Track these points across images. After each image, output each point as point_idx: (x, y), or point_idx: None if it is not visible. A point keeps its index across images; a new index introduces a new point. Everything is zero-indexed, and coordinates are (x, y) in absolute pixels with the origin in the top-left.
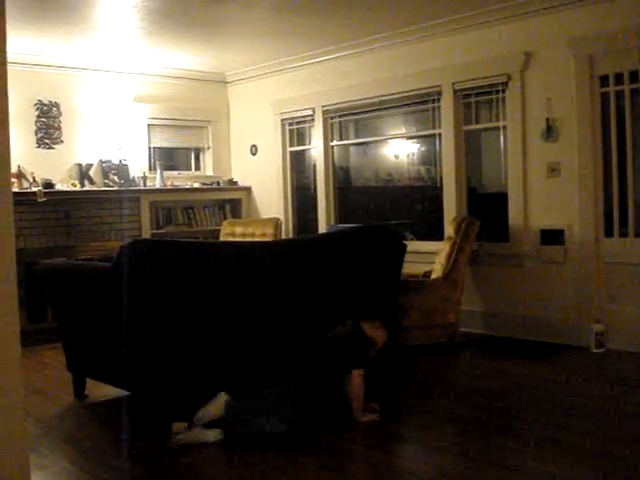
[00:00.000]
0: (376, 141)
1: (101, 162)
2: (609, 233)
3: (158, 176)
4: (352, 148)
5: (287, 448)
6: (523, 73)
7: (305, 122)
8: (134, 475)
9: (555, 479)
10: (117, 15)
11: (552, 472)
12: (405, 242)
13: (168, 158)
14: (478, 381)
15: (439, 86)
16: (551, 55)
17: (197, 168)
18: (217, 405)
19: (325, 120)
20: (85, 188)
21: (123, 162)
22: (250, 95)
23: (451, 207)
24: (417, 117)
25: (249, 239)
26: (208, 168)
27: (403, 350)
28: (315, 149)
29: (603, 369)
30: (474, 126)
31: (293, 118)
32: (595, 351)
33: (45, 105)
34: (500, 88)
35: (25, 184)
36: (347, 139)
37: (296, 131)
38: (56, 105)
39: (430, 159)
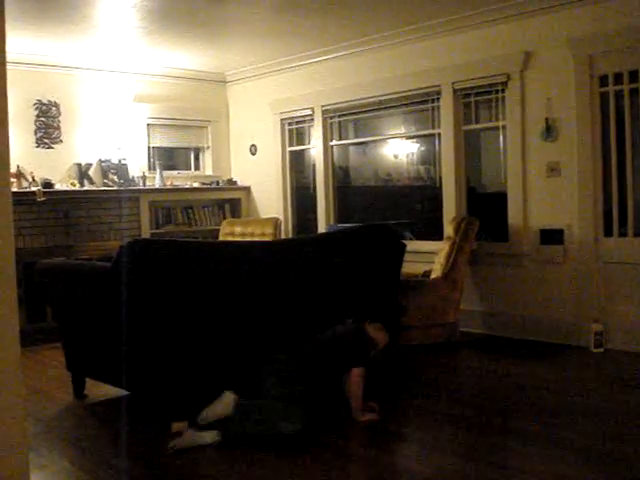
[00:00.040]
0: (375, 141)
1: (100, 162)
2: (608, 233)
3: (157, 176)
4: (351, 148)
5: (286, 448)
6: (523, 73)
7: (304, 122)
8: (133, 474)
9: (555, 479)
10: (117, 15)
11: (552, 472)
12: (404, 242)
13: (168, 158)
14: (477, 381)
15: (438, 86)
16: (551, 55)
17: (197, 168)
18: (224, 404)
19: (324, 120)
20: (84, 188)
21: (122, 162)
22: (249, 95)
23: (450, 207)
24: (416, 117)
25: (248, 239)
26: (207, 168)
27: (403, 350)
28: (314, 149)
29: (602, 369)
30: (474, 126)
31: (292, 118)
32: (594, 351)
33: (44, 105)
34: (500, 88)
35: (24, 184)
36: (346, 139)
37: (295, 131)
38: (55, 105)
39: (429, 159)
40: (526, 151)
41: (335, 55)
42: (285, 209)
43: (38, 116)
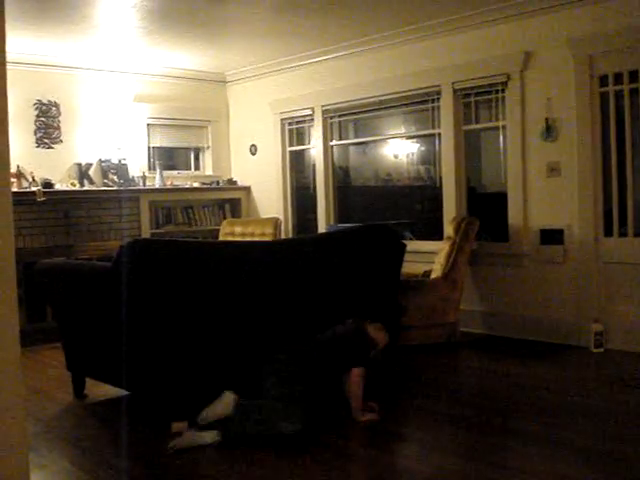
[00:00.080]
0: (375, 141)
1: (100, 162)
2: (608, 233)
3: (158, 176)
4: (351, 148)
5: (286, 448)
6: (523, 73)
7: (305, 122)
8: (133, 474)
9: (555, 479)
10: (117, 15)
11: (552, 472)
12: (404, 242)
13: (168, 158)
14: (478, 381)
15: (438, 86)
16: (551, 55)
17: (197, 168)
18: (224, 404)
19: (324, 120)
20: (84, 188)
21: (122, 162)
22: (250, 95)
23: (451, 207)
24: (416, 117)
25: (248, 239)
26: (208, 168)
27: (403, 350)
28: (315, 149)
29: (602, 369)
30: (474, 126)
31: (293, 118)
32: (594, 351)
33: (44, 105)
34: (500, 88)
35: (24, 184)
36: (346, 139)
37: (295, 131)
38: (55, 105)
39: (430, 159)
40: (526, 151)
41: (335, 55)
42: (285, 209)
43: (38, 116)
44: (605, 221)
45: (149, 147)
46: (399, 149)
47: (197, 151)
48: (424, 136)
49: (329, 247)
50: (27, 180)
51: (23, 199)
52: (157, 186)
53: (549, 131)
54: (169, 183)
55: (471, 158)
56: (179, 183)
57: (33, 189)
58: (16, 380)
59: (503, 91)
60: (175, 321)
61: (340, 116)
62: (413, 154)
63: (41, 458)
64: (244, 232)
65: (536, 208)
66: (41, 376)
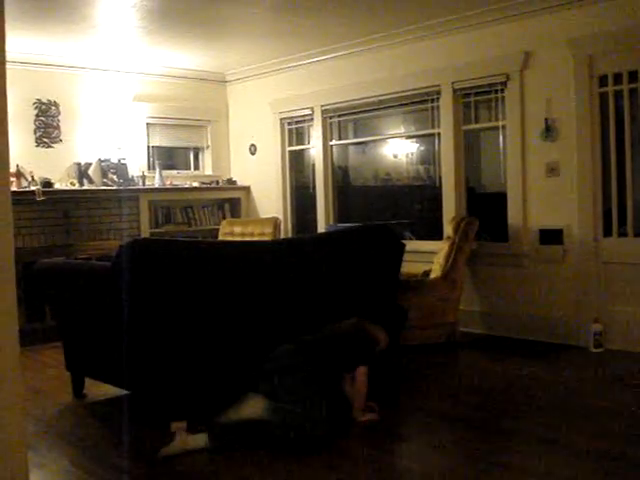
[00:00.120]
0: (375, 141)
1: (100, 161)
2: (608, 233)
3: (157, 175)
4: (351, 148)
5: (287, 447)
6: (522, 73)
7: (304, 122)
8: (133, 474)
9: (555, 479)
10: (116, 14)
11: (552, 472)
12: (404, 242)
13: (167, 157)
14: (478, 381)
15: (438, 85)
16: (550, 55)
17: (196, 167)
18: (251, 407)
19: (324, 120)
20: (84, 187)
21: (122, 161)
22: (249, 95)
23: (450, 207)
24: (416, 117)
25: (248, 238)
26: (207, 167)
27: (402, 350)
28: (314, 149)
29: (602, 369)
30: (473, 126)
31: (292, 117)
32: (594, 351)
33: (44, 104)
34: (499, 88)
35: (24, 183)
36: (346, 139)
37: (295, 130)
38: (55, 104)
39: (429, 159)
40: (526, 151)
41: (335, 55)
42: (285, 209)
43: (38, 115)
44: (604, 221)
45: (149, 147)
46: (399, 149)
47: (197, 151)
48: (424, 136)
49: (329, 247)
50: (26, 179)
51: (22, 198)
52: (157, 186)
53: (549, 131)
54: (169, 183)
55: (471, 158)
56: (179, 183)
57: (32, 188)
58: (15, 380)
59: (503, 91)
60: (175, 321)
61: (340, 116)
62: (412, 154)
63: (40, 458)
64: (243, 232)
65: (536, 208)
66: (40, 376)
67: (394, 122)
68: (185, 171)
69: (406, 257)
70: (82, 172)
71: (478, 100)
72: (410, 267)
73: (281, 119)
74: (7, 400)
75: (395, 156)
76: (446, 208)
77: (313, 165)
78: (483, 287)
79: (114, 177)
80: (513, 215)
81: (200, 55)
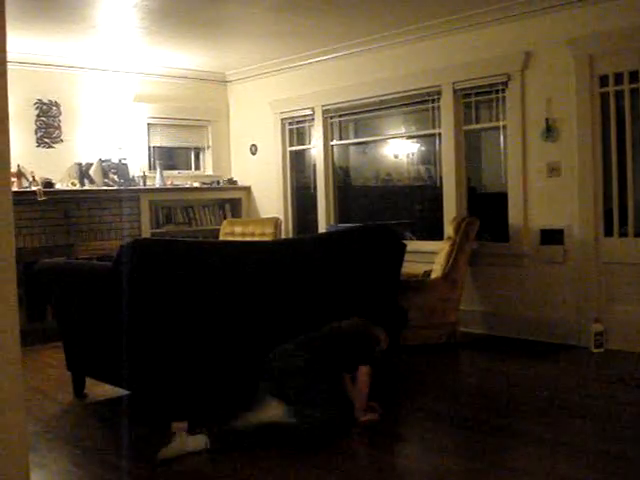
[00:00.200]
0: (376, 141)
1: (101, 161)
2: (609, 233)
3: (158, 175)
4: (352, 148)
5: (287, 447)
6: (523, 73)
7: (305, 122)
8: (133, 474)
9: (555, 479)
10: (117, 14)
11: (552, 472)
12: (405, 242)
13: (168, 157)
14: (478, 381)
15: (439, 86)
16: (551, 55)
17: (197, 167)
18: (271, 410)
19: (325, 120)
20: (85, 187)
21: (123, 161)
22: (250, 95)
23: (451, 207)
24: (417, 117)
25: (249, 238)
26: (208, 167)
27: (403, 350)
28: (315, 149)
29: (602, 369)
30: (474, 126)
31: (293, 118)
32: (594, 351)
33: (45, 104)
34: (500, 88)
35: (25, 183)
36: (347, 139)
37: (296, 131)
38: (56, 104)
39: (430, 159)
40: (526, 151)
41: (335, 55)
42: (285, 209)
43: (39, 116)
44: (605, 221)
45: (149, 147)
46: (399, 149)
47: (197, 151)
48: (424, 136)
49: (329, 247)
50: (27, 179)
51: (23, 199)
52: (157, 186)
53: (549, 131)
54: (169, 183)
55: (471, 158)
56: (179, 183)
57: (33, 188)
58: (16, 380)
59: (503, 91)
60: (175, 321)
61: (340, 116)
62: (413, 154)
63: (41, 458)
64: (244, 232)
65: (536, 208)
66: (41, 376)
67: (395, 122)
68: (186, 171)
69: (407, 257)
70: (83, 172)
71: (479, 100)
72: (411, 267)
73: (282, 119)
74: (8, 400)
75: (396, 156)
76: (447, 208)
77: (314, 165)
78: (484, 287)
79: (115, 177)
80: (514, 215)
81: (201, 55)
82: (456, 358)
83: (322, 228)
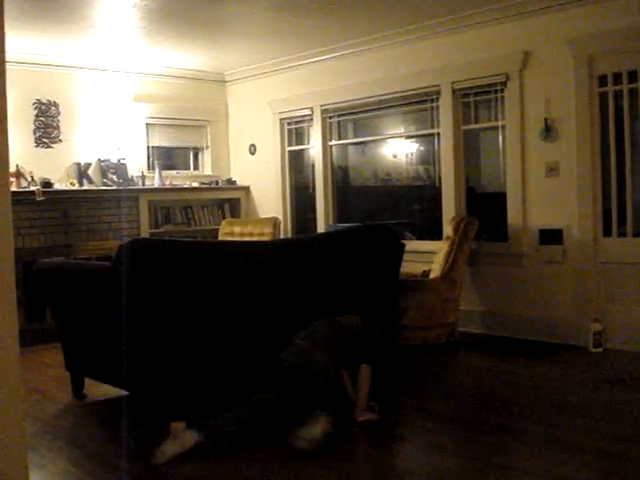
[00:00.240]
0: (375, 141)
1: (100, 161)
2: (607, 233)
3: (157, 175)
4: (351, 148)
5: (287, 446)
6: (522, 73)
7: (304, 122)
8: (133, 474)
9: (555, 479)
10: (116, 14)
11: (552, 472)
12: (404, 242)
13: (167, 157)
14: (477, 381)
15: (438, 85)
16: (550, 55)
17: (196, 167)
18: (325, 423)
19: (324, 120)
20: (84, 187)
21: (122, 161)
22: (249, 95)
23: (450, 207)
24: (416, 116)
25: (247, 238)
26: (207, 167)
27: (403, 350)
28: (314, 149)
29: (601, 369)
30: (473, 126)
31: (292, 118)
32: (593, 351)
33: (44, 104)
34: (499, 88)
35: (23, 183)
36: (346, 139)
37: (295, 131)
38: (55, 104)
39: (429, 159)
40: (525, 151)
41: (334, 55)
42: (284, 209)
43: (37, 116)
44: (604, 221)
45: (148, 147)
46: (398, 149)
47: (196, 151)
48: (423, 136)
49: (328, 247)
50: (26, 180)
51: (22, 199)
52: (156, 186)
53: (548, 131)
54: (168, 183)
55: (470, 158)
56: (178, 183)
57: (32, 189)
58: (15, 380)
59: (502, 91)
60: (174, 321)
61: (339, 116)
62: (412, 154)
63: (40, 458)
64: (243, 232)
65: (535, 208)
66: (40, 376)
67: (394, 122)
68: (185, 171)
69: (406, 257)
70: (82, 172)
71: (478, 100)
72: (410, 267)
73: (281, 119)
74: (7, 400)
75: (395, 156)
76: (446, 208)
77: (313, 165)
78: (483, 287)
79: (114, 177)
80: (513, 215)
81: (200, 55)
82: (455, 358)
83: (321, 228)
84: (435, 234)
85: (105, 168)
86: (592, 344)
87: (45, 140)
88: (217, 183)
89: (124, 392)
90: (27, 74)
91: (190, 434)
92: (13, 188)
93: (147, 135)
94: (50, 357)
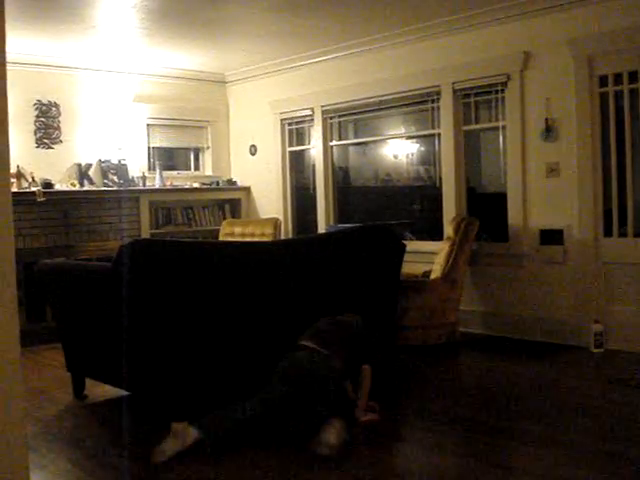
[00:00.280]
0: (375, 141)
1: (100, 162)
2: (608, 233)
3: (157, 176)
4: (351, 148)
5: (287, 446)
6: (522, 73)
7: (304, 122)
8: (134, 474)
9: (555, 479)
10: (117, 15)
11: (552, 472)
12: (404, 242)
13: (167, 158)
14: (478, 381)
15: (438, 86)
16: (550, 55)
17: (196, 168)
18: (341, 429)
19: (324, 120)
20: (84, 188)
21: (122, 162)
22: (249, 95)
23: (450, 207)
24: (416, 117)
25: (248, 239)
26: (207, 168)
27: (403, 350)
28: (314, 149)
29: (602, 369)
30: (473, 126)
31: (292, 118)
32: (594, 351)
33: (44, 105)
34: (499, 88)
35: (24, 184)
36: (346, 139)
37: (295, 131)
38: (55, 105)
39: (429, 159)
40: (526, 151)
41: (335, 55)
42: (285, 209)
43: (38, 116)
44: (605, 221)
45: (149, 147)
46: (399, 149)
47: (197, 151)
48: (424, 136)
49: (329, 247)
50: (27, 180)
51: (23, 199)
52: (157, 186)
53: (549, 131)
54: (169, 183)
55: (471, 158)
56: (179, 183)
57: (33, 189)
58: (16, 380)
59: (503, 91)
60: (175, 321)
61: (340, 116)
62: (413, 154)
63: (41, 458)
64: (244, 232)
65: (536, 208)
66: (41, 376)
67: (394, 122)
68: (185, 172)
69: (406, 257)
70: (82, 173)
71: (478, 100)
72: (410, 267)
73: (281, 119)
74: (7, 401)
75: (395, 156)
76: (446, 208)
77: (313, 165)
78: (483, 287)
79: (114, 178)
80: (513, 215)
81: (200, 56)
82: (456, 358)
83: (322, 228)
84: (436, 234)
85: (106, 169)
86: (593, 344)
87: (46, 141)
88: (218, 184)
89: (125, 393)
90: (28, 75)
91: (190, 431)
92: (14, 189)
93: (148, 136)
94: (51, 357)
